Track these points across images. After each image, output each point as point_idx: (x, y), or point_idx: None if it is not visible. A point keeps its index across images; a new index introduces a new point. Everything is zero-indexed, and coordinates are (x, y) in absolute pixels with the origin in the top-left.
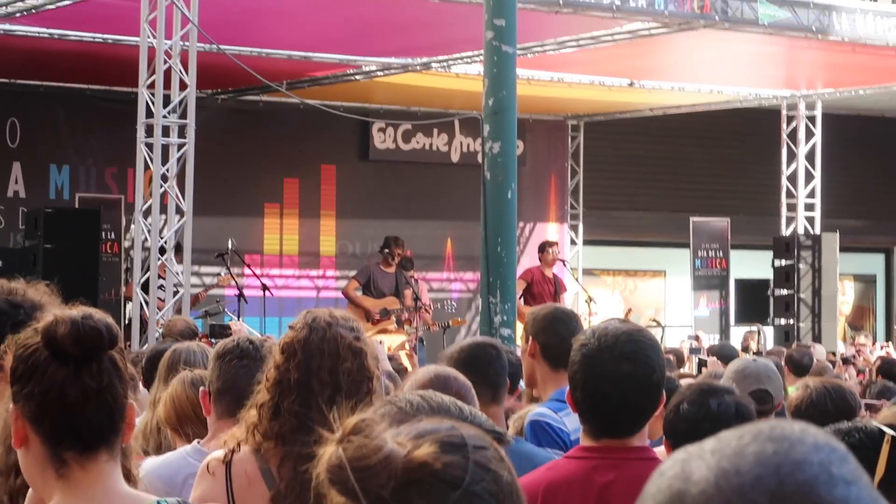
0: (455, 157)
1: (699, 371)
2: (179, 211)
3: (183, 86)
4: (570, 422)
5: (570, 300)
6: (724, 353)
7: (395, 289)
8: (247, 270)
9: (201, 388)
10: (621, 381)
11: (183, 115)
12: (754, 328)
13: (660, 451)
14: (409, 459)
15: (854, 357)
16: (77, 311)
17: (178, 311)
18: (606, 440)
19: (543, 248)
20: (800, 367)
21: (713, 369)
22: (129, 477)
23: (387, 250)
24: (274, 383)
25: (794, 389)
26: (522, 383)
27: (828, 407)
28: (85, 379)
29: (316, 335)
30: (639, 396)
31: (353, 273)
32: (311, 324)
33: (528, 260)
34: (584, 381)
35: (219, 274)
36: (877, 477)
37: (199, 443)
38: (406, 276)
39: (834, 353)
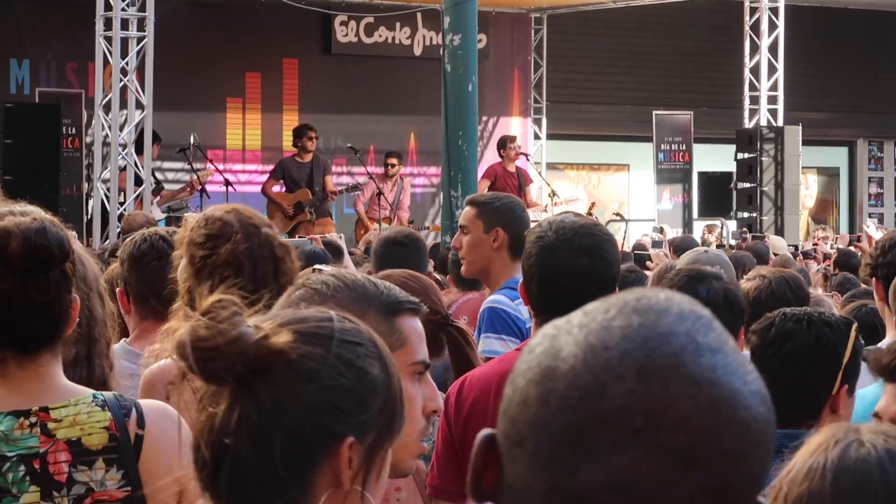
0: (418, 51)
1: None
2: (140, 105)
3: None
4: (526, 310)
5: (535, 194)
6: (685, 246)
7: (310, 178)
8: (209, 165)
9: (118, 288)
10: (579, 275)
11: (142, 9)
12: (716, 222)
13: None
14: (260, 345)
15: (814, 250)
16: (32, 220)
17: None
18: None
19: (504, 143)
20: (760, 257)
21: (658, 262)
22: (91, 362)
23: (301, 139)
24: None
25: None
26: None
27: (787, 296)
28: (31, 291)
29: (254, 241)
30: (595, 290)
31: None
32: (244, 230)
33: (491, 154)
34: (539, 273)
35: (191, 169)
36: (844, 360)
37: (125, 341)
38: (325, 161)
39: (796, 247)
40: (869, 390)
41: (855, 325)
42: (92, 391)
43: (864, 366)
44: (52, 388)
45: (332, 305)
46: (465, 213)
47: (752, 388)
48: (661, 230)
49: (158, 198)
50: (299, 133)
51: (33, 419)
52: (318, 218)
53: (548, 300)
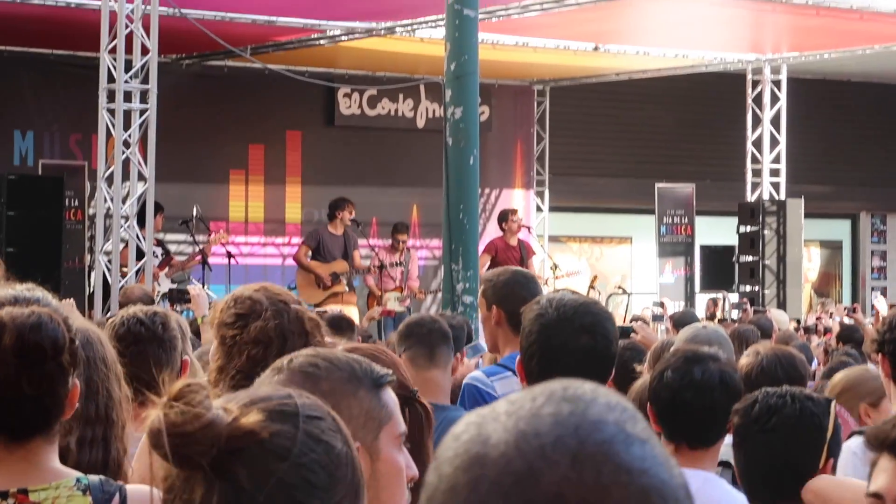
0: (421, 123)
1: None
2: (142, 177)
3: (145, 51)
4: (501, 386)
5: (538, 266)
6: (685, 321)
7: (345, 251)
8: (220, 231)
9: None
10: (581, 353)
11: (145, 81)
12: (718, 295)
13: None
14: (234, 427)
15: (816, 325)
16: (29, 314)
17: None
18: None
19: (505, 217)
20: (762, 331)
21: (642, 333)
22: (108, 443)
23: (338, 212)
24: (248, 375)
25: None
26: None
27: (778, 374)
28: (23, 384)
29: (285, 318)
30: (596, 368)
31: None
32: (273, 307)
33: (493, 227)
34: (541, 351)
35: (193, 241)
36: (827, 435)
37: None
38: (354, 236)
39: (798, 321)
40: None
41: (834, 402)
42: (77, 474)
43: None
44: (35, 470)
45: (325, 386)
46: (479, 294)
47: (678, 481)
48: (662, 304)
49: (168, 269)
50: (337, 205)
51: (11, 500)
52: (349, 290)
53: (548, 378)
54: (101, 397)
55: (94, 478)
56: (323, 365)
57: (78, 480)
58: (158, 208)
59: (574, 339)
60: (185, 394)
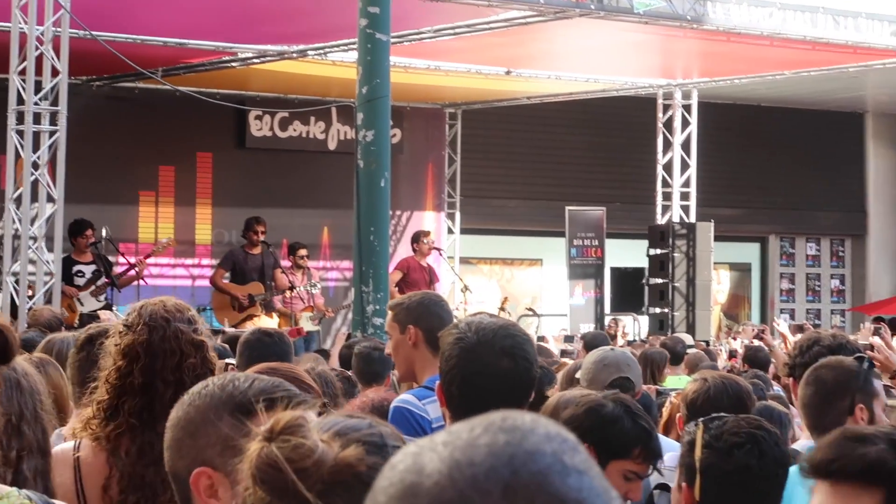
0: (332, 145)
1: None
2: (51, 199)
3: (55, 72)
4: (434, 409)
5: (447, 289)
6: (596, 343)
7: (261, 271)
8: (121, 259)
9: None
10: (501, 376)
11: (55, 102)
12: (623, 317)
13: None
14: (337, 461)
15: (718, 346)
16: None
17: (49, 300)
18: None
19: (417, 237)
20: (674, 355)
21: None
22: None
23: (249, 232)
24: (115, 386)
25: (679, 379)
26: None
27: (723, 402)
28: None
29: (156, 335)
30: (518, 391)
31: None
32: (149, 323)
33: (405, 249)
34: (461, 375)
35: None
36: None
37: (60, 431)
38: (275, 255)
39: (707, 343)
40: None
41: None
42: (8, 488)
43: None
44: None
45: (187, 411)
46: (386, 321)
47: None
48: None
49: (94, 288)
50: (249, 225)
51: None
52: (266, 312)
53: (469, 402)
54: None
55: (24, 491)
56: (194, 392)
57: (19, 492)
58: (86, 225)
59: (494, 363)
60: (294, 427)
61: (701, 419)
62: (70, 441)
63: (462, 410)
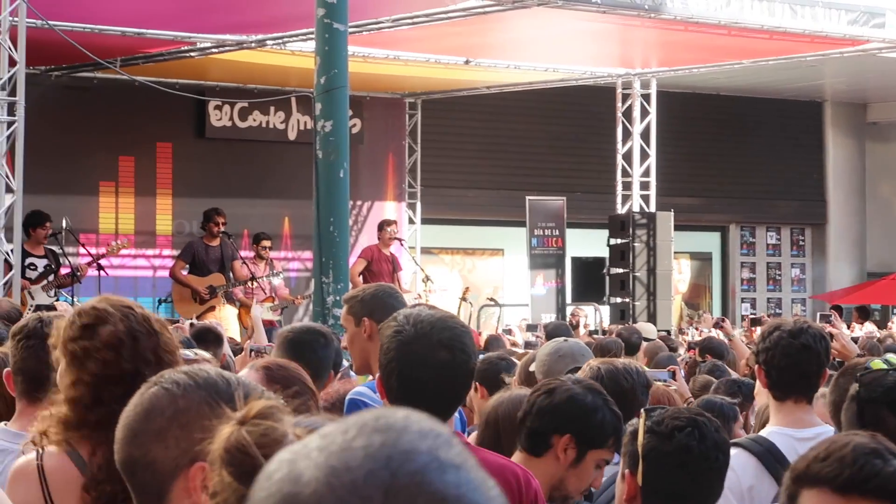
0: (292, 135)
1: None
2: (10, 190)
3: (12, 63)
4: None
5: (409, 279)
6: (557, 333)
7: (221, 262)
8: (81, 250)
9: (5, 369)
10: (438, 368)
11: (12, 93)
12: (584, 307)
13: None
14: None
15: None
16: None
17: (8, 291)
18: None
19: (382, 226)
20: (629, 345)
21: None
22: None
23: (209, 224)
24: (100, 378)
25: None
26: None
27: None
28: None
29: (133, 320)
30: (456, 383)
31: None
32: (121, 310)
33: (366, 239)
34: (399, 368)
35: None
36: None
37: (5, 424)
38: (233, 246)
39: (668, 332)
40: None
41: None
42: None
43: None
44: None
45: (182, 403)
46: (341, 315)
47: (496, 502)
48: (537, 327)
49: (45, 282)
50: (208, 217)
51: None
52: (227, 303)
53: (408, 394)
54: None
55: None
56: (183, 382)
57: None
58: (45, 218)
59: (432, 355)
60: (268, 413)
61: (643, 408)
62: (28, 453)
63: (401, 403)
